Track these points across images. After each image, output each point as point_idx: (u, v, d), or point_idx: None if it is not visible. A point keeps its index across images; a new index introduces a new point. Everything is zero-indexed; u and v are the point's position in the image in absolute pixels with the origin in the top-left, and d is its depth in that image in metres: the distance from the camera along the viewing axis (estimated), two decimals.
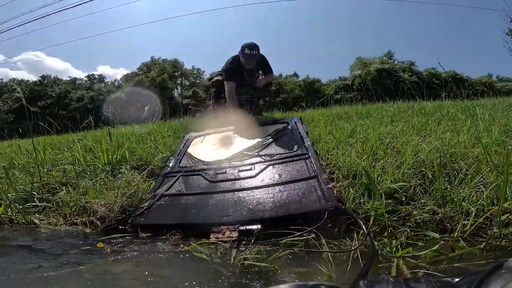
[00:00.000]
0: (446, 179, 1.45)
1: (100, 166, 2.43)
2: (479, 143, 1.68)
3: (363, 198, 1.44)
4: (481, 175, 1.45)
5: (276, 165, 2.00)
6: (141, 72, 25.51)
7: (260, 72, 3.54)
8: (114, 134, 3.02)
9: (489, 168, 1.43)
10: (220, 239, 1.41)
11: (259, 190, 1.76)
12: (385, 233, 1.29)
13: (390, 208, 1.37)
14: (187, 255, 1.32)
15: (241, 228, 1.46)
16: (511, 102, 3.58)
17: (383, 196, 1.36)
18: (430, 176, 1.47)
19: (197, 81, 27.63)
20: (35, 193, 2.21)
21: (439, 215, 1.33)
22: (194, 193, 1.86)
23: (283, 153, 2.17)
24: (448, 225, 1.30)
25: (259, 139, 2.50)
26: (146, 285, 1.10)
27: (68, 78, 25.18)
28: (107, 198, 1.91)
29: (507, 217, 1.23)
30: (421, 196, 1.43)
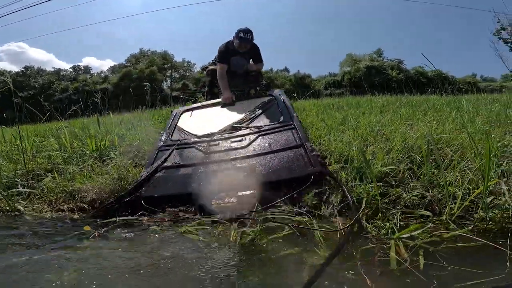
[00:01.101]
0: (433, 164, 1.50)
1: (87, 152, 2.37)
2: (464, 131, 1.74)
3: (354, 182, 1.47)
4: (466, 161, 1.50)
5: (265, 136, 2.10)
6: (129, 64, 24.84)
7: (251, 61, 3.58)
8: (102, 122, 2.95)
9: (473, 154, 1.48)
10: (221, 204, 1.53)
11: (252, 159, 1.85)
12: (378, 215, 1.32)
13: (381, 191, 1.40)
14: (181, 237, 1.31)
15: (239, 193, 1.56)
16: (493, 98, 3.72)
17: (374, 179, 1.38)
18: (418, 161, 1.51)
19: (187, 74, 27.18)
20: (18, 180, 2.14)
21: (428, 198, 1.37)
22: (191, 164, 1.93)
23: (271, 124, 2.25)
24: (437, 208, 1.35)
25: (247, 112, 2.57)
26: (136, 266, 1.08)
27: (52, 69, 24.25)
28: (96, 183, 1.87)
29: (492, 200, 1.28)
30: (410, 180, 1.47)
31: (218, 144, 2.13)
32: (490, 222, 1.24)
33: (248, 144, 2.03)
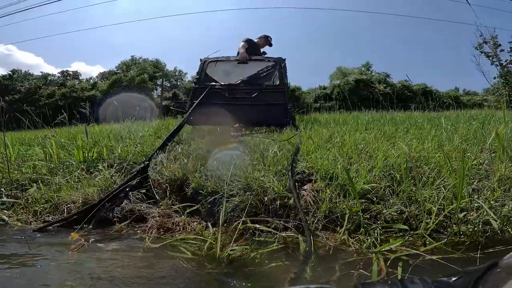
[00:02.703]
0: (411, 181, 1.58)
1: (74, 163, 2.35)
2: (441, 150, 1.84)
3: (339, 198, 1.53)
4: (442, 178, 1.59)
5: (265, 92, 3.55)
6: (119, 71, 24.52)
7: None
8: (90, 132, 2.93)
9: (449, 172, 1.58)
10: (236, 132, 2.81)
11: (256, 106, 3.38)
12: (361, 230, 1.38)
13: (363, 207, 1.47)
14: (168, 250, 1.32)
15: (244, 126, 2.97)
16: (472, 115, 3.91)
17: (357, 196, 1.45)
18: (398, 178, 1.59)
19: (178, 83, 26.98)
20: (2, 189, 2.10)
21: (406, 213, 1.45)
22: (219, 104, 3.32)
23: (270, 85, 3.67)
24: (414, 222, 1.42)
25: (256, 71, 3.86)
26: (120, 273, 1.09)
27: (40, 73, 23.66)
28: (82, 194, 1.87)
29: (464, 215, 1.37)
30: (390, 196, 1.54)
31: (235, 93, 3.54)
32: (462, 236, 1.32)
33: (253, 96, 3.43)
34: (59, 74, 24.99)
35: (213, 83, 3.61)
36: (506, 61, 7.71)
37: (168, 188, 1.87)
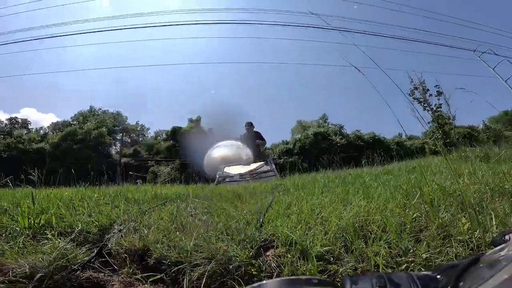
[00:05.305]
0: (362, 239, 1.74)
1: (18, 229, 2.14)
2: (385, 208, 2.09)
3: (299, 262, 1.61)
4: (387, 234, 1.78)
5: (262, 173, 6.76)
6: (75, 122, 23.28)
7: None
8: (37, 197, 2.71)
9: (391, 228, 1.79)
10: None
11: (257, 181, 5.23)
12: None
13: (321, 268, 1.56)
14: None
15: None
16: (411, 167, 4.48)
17: (314, 259, 1.56)
18: (350, 239, 1.75)
19: (140, 139, 26.11)
20: None
21: (359, 270, 1.57)
22: (233, 181, 6.26)
23: (266, 170, 6.99)
24: None
25: (256, 166, 7.24)
26: None
27: None
28: (31, 260, 1.68)
29: (405, 267, 1.53)
30: (345, 255, 1.67)
31: (244, 177, 6.44)
32: None
33: (257, 176, 6.47)
34: (7, 121, 22.95)
35: (230, 173, 6.92)
36: (435, 105, 8.31)
37: (128, 258, 1.78)
